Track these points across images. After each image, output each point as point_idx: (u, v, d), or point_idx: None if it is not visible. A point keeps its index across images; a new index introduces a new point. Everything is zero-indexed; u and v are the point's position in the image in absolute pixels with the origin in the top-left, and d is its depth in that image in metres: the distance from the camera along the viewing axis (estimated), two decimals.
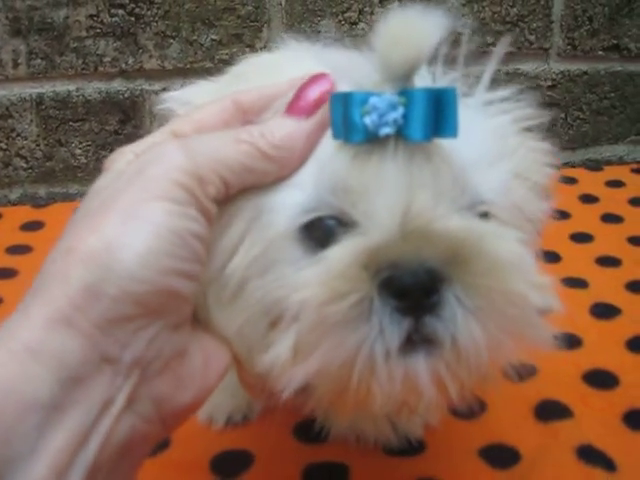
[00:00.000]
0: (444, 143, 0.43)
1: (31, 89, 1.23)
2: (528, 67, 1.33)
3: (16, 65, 1.21)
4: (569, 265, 1.01)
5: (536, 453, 0.67)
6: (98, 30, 1.20)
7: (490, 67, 0.51)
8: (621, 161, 1.41)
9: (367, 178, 0.43)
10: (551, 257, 1.02)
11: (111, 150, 1.25)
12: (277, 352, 0.43)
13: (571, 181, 1.28)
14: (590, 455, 0.66)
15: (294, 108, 0.45)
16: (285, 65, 0.53)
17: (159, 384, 0.41)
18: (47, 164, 1.27)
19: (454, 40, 0.49)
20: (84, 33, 1.20)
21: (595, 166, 1.37)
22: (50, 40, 1.20)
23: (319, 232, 0.44)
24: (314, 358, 0.41)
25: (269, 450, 0.67)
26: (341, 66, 0.46)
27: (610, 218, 1.15)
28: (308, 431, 0.69)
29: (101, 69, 1.21)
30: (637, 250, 1.05)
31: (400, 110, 0.42)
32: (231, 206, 0.45)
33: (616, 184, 1.27)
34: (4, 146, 1.25)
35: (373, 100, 0.42)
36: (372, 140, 0.43)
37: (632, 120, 1.40)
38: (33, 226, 1.14)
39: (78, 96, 1.23)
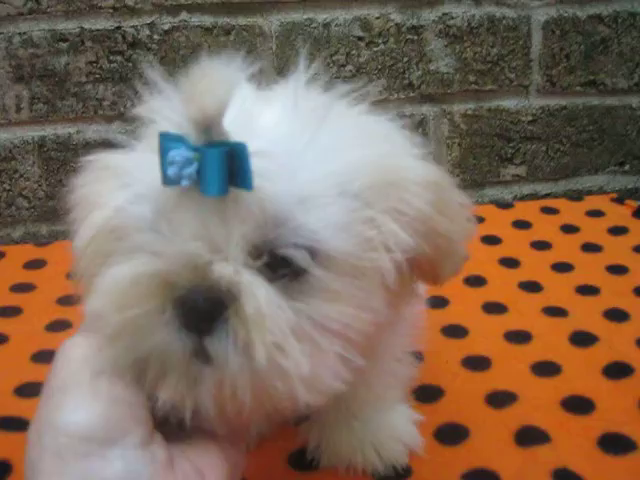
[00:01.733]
0: (249, 192, 0.46)
1: (33, 132, 1.28)
2: (509, 103, 1.39)
3: (19, 109, 1.27)
4: (550, 294, 1.05)
5: (516, 477, 0.71)
6: (97, 76, 1.26)
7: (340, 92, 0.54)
8: (601, 191, 1.47)
9: (176, 217, 0.48)
10: (533, 287, 1.07)
11: None
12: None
13: (553, 212, 1.33)
14: (566, 478, 0.70)
15: None
16: None
17: None
18: (49, 203, 1.32)
19: None
20: (84, 78, 1.26)
21: (576, 196, 1.42)
22: (51, 85, 1.26)
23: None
24: (113, 352, 0.49)
25: (264, 477, 0.71)
26: (172, 110, 0.49)
27: (590, 248, 1.19)
28: (301, 460, 0.73)
29: (100, 112, 1.26)
30: (616, 279, 1.09)
31: (194, 165, 0.45)
32: None
33: (596, 214, 1.32)
34: (7, 187, 1.30)
35: (172, 154, 0.45)
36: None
37: (610, 151, 1.46)
38: (36, 264, 1.18)
39: (79, 138, 1.29)
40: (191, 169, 0.45)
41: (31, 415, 0.50)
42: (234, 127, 0.46)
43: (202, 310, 0.47)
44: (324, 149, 0.50)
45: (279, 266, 0.49)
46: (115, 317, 0.48)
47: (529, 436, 0.76)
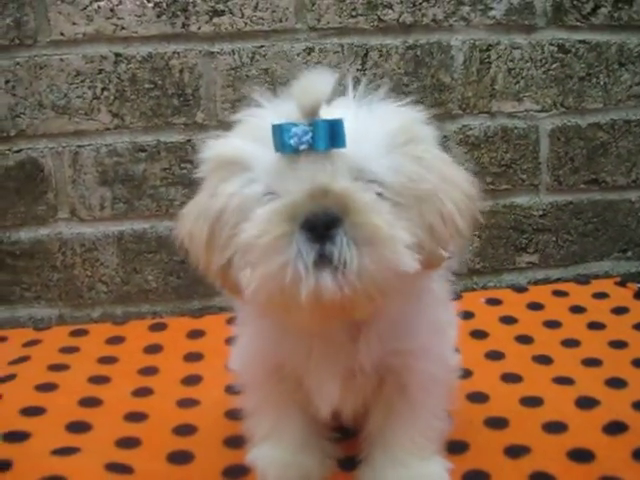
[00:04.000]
0: (344, 149, 0.73)
1: (114, 227, 1.50)
2: (522, 200, 1.60)
3: (102, 208, 1.49)
4: (559, 366, 1.22)
5: None
6: (170, 180, 1.48)
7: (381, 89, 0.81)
8: (607, 275, 1.65)
9: (294, 172, 0.73)
10: (544, 360, 1.25)
11: (178, 277, 1.53)
12: (244, 271, 0.74)
13: (563, 294, 1.52)
14: None
15: None
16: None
17: None
18: (124, 288, 1.52)
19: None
20: (158, 182, 1.49)
21: (584, 280, 1.61)
22: (131, 188, 1.49)
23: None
24: (258, 271, 0.72)
25: None
26: (281, 107, 0.77)
27: (595, 326, 1.37)
28: None
29: (171, 211, 1.48)
30: (617, 352, 1.26)
31: (309, 135, 0.71)
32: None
33: (601, 296, 1.50)
34: (89, 273, 1.51)
35: (294, 130, 0.72)
36: (297, 151, 0.72)
37: (614, 240, 1.65)
38: (116, 340, 1.38)
39: (152, 233, 1.51)
40: (307, 137, 0.71)
41: None
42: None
43: (322, 223, 0.69)
44: (378, 126, 0.78)
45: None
46: (259, 242, 0.71)
47: (538, 478, 0.92)
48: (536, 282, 1.63)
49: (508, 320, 1.41)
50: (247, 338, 0.95)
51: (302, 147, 0.71)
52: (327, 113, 0.74)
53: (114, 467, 0.95)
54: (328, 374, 0.85)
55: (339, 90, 0.79)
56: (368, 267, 0.70)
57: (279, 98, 0.79)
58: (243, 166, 0.77)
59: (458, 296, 1.51)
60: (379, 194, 0.75)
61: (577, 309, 1.45)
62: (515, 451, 0.99)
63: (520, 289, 1.57)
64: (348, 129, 0.73)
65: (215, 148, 0.81)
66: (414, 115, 0.81)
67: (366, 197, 0.73)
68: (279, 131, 0.72)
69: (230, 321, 1.08)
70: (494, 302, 1.49)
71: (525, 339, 1.33)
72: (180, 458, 1.00)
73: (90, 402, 1.15)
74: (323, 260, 0.70)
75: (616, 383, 1.16)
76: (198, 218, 0.80)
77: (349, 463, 0.95)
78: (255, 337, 0.92)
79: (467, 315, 1.42)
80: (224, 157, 0.79)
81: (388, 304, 0.77)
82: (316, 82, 0.73)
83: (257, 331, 0.91)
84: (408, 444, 0.91)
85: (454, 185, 0.80)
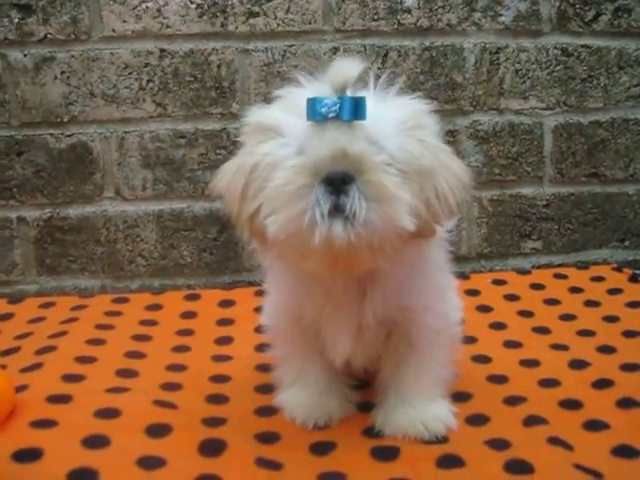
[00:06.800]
0: (363, 122, 0.86)
1: (154, 206, 1.65)
2: (527, 191, 1.74)
3: (144, 189, 1.64)
4: (556, 336, 1.35)
5: (522, 444, 0.99)
6: (206, 164, 1.63)
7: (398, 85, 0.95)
8: (606, 262, 1.78)
9: (320, 136, 0.86)
10: (543, 330, 1.37)
11: (211, 253, 1.69)
12: (269, 218, 0.87)
13: (563, 277, 1.65)
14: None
15: None
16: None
17: None
18: (161, 262, 1.67)
19: None
20: (196, 166, 1.64)
21: (584, 265, 1.74)
22: (170, 171, 1.64)
23: None
24: (282, 214, 0.85)
25: (346, 441, 1.01)
26: (314, 86, 0.91)
27: (591, 303, 1.50)
28: (371, 431, 1.03)
29: (206, 193, 1.62)
30: (610, 325, 1.39)
31: (337, 106, 0.85)
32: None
33: (598, 279, 1.63)
34: (130, 248, 1.66)
35: (325, 101, 0.86)
36: (326, 119, 0.86)
37: (612, 230, 1.78)
38: (155, 307, 1.52)
39: (189, 212, 1.65)
40: (335, 107, 0.86)
41: None
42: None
43: (338, 179, 0.84)
44: (390, 113, 0.91)
45: None
46: (285, 189, 0.85)
47: (532, 420, 1.05)
48: (539, 267, 1.77)
49: (511, 297, 1.54)
50: (274, 294, 1.09)
51: (330, 115, 0.85)
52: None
53: (161, 403, 1.09)
54: (340, 328, 0.99)
55: (362, 85, 0.92)
56: (373, 219, 0.83)
57: (316, 80, 0.93)
58: (278, 132, 0.91)
59: (466, 276, 1.65)
60: (389, 163, 0.87)
61: (575, 290, 1.57)
62: (513, 400, 1.11)
63: (524, 272, 1.70)
64: (367, 113, 0.86)
65: (256, 115, 0.95)
66: (420, 107, 0.95)
67: (378, 159, 0.86)
68: (312, 103, 0.86)
69: (258, 293, 1.20)
70: (499, 282, 1.63)
71: (526, 313, 1.46)
72: (217, 399, 1.13)
73: (135, 355, 1.28)
74: (337, 210, 0.83)
75: (607, 350, 1.28)
76: (236, 172, 0.94)
77: (366, 406, 1.09)
78: (280, 292, 1.06)
79: (474, 293, 1.56)
80: (263, 123, 0.93)
81: (391, 267, 0.90)
82: (346, 65, 0.87)
83: (281, 287, 1.05)
84: (416, 388, 1.04)
85: (448, 169, 0.93)
